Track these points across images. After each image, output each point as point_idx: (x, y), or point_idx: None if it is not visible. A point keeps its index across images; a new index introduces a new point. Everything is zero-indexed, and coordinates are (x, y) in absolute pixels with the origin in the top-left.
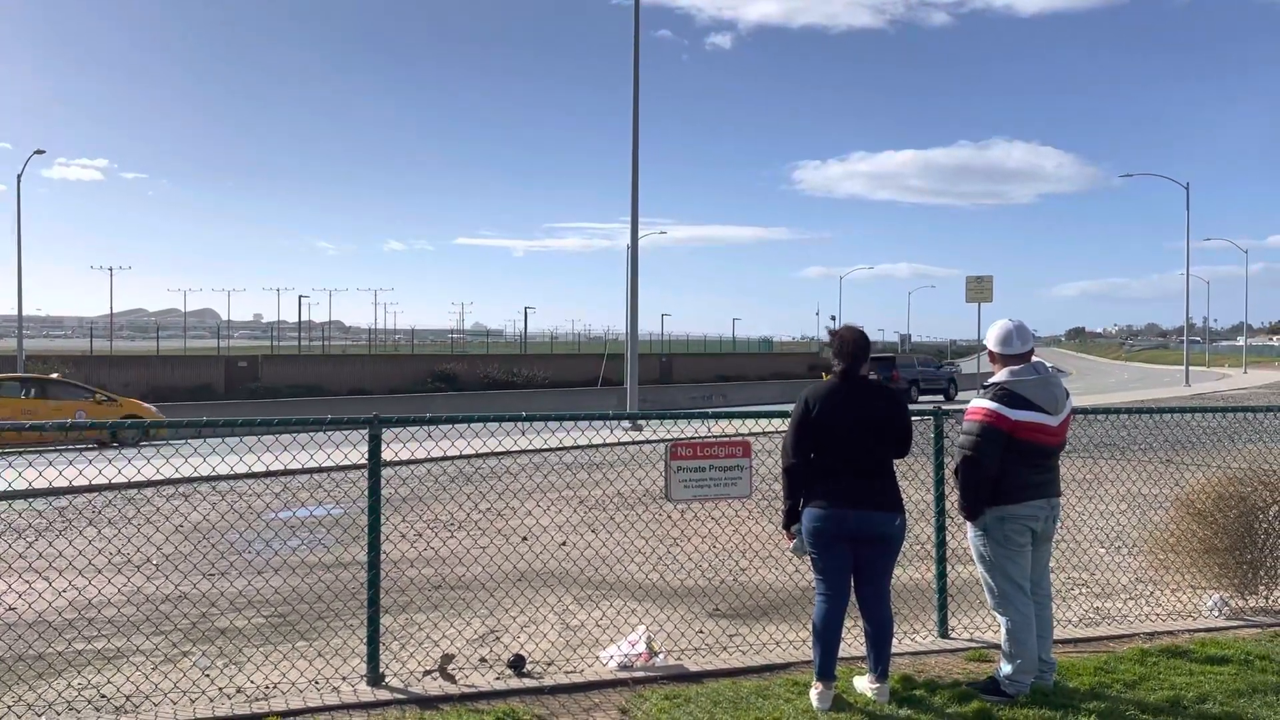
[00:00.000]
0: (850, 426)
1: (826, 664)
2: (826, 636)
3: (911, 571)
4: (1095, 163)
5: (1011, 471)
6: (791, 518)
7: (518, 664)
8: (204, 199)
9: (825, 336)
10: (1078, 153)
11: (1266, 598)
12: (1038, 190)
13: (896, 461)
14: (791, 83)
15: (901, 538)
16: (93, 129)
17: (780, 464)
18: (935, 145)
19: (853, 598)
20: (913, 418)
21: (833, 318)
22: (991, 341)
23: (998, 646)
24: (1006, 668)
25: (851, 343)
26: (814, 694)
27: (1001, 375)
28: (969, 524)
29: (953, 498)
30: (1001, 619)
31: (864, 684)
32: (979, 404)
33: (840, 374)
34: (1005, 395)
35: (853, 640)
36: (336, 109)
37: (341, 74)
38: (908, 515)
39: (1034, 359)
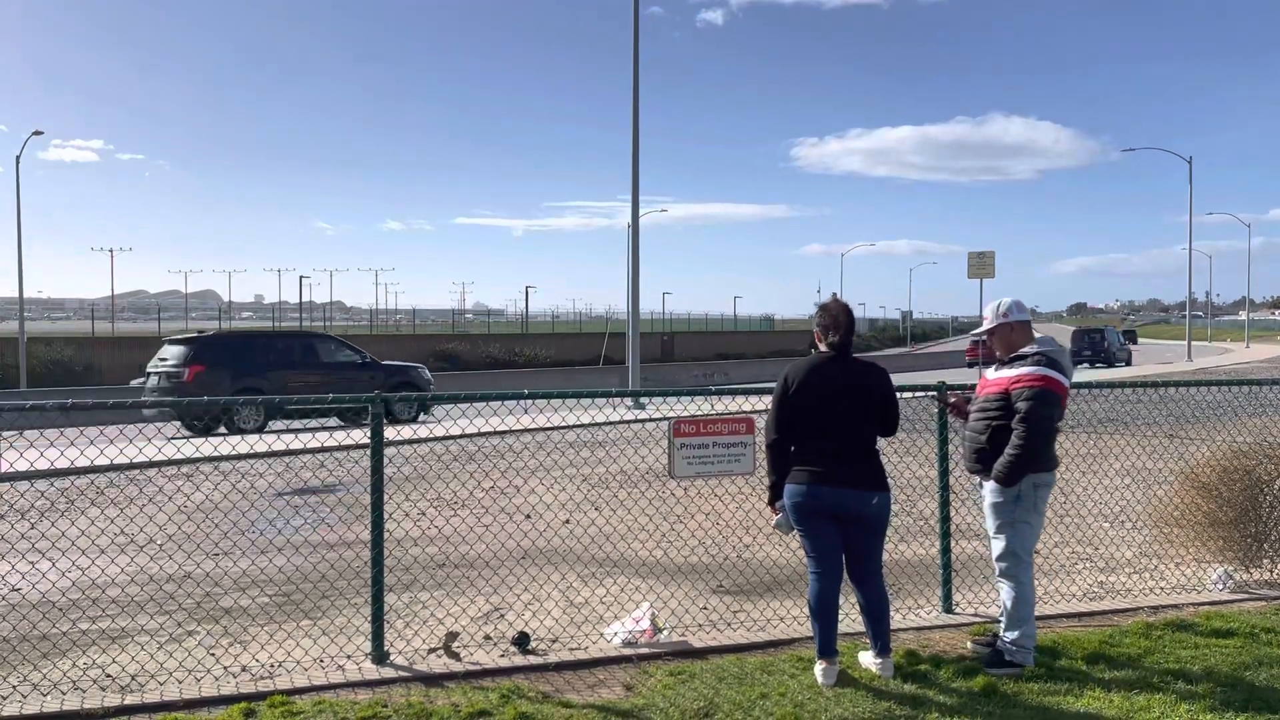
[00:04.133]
0: (828, 403)
1: (826, 641)
2: (822, 614)
3: (915, 547)
4: (1094, 137)
5: (1051, 438)
6: (775, 493)
7: (522, 641)
8: (202, 180)
9: (813, 308)
10: (1077, 128)
11: (1271, 570)
12: (1037, 166)
13: (901, 438)
14: (786, 59)
15: (883, 515)
16: (87, 109)
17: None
18: (932, 121)
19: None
20: (917, 393)
21: (834, 295)
22: (1011, 312)
23: (1000, 621)
24: (1011, 635)
25: (836, 317)
26: (818, 670)
27: (1036, 345)
28: (996, 487)
29: (957, 473)
30: (1008, 587)
31: (868, 659)
32: (1034, 370)
33: (827, 348)
34: (1052, 362)
35: (858, 615)
36: (332, 88)
37: (337, 53)
38: (914, 491)
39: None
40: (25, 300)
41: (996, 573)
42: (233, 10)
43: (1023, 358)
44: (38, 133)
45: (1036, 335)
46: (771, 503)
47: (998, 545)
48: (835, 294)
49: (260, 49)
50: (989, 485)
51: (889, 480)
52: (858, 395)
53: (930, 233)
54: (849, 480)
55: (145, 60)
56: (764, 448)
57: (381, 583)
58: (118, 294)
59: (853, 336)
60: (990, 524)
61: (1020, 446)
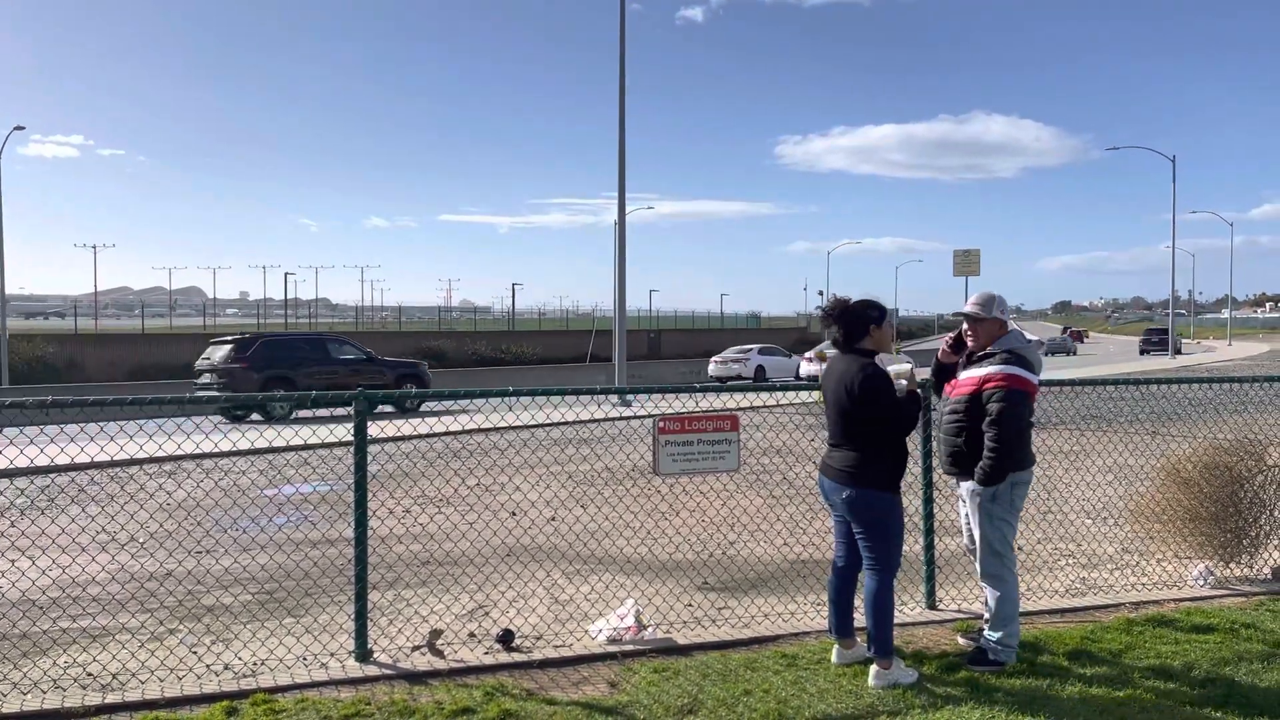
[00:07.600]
0: (826, 397)
1: (832, 621)
2: (830, 595)
3: None
4: (1076, 135)
5: (1025, 436)
6: None
7: (506, 638)
8: (184, 176)
9: (814, 311)
10: (1059, 126)
11: (1251, 566)
12: (1020, 164)
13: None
14: (767, 57)
15: (858, 512)
16: (66, 104)
17: None
18: (915, 119)
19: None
20: None
21: (820, 293)
22: (990, 308)
23: (984, 618)
24: (995, 634)
25: (831, 312)
26: (833, 650)
27: (1008, 341)
28: (975, 487)
29: (940, 469)
30: (993, 587)
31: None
32: (1001, 369)
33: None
34: (1022, 360)
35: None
36: (314, 84)
37: (320, 50)
38: None
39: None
40: (7, 297)
41: (979, 573)
42: (213, 4)
43: (990, 356)
44: (19, 128)
45: (1010, 329)
46: None
47: (979, 545)
48: (820, 295)
49: (241, 44)
50: (966, 485)
51: (872, 478)
52: (841, 389)
53: (915, 230)
54: (830, 472)
55: (124, 54)
56: None
57: (365, 580)
58: (101, 290)
59: (850, 331)
60: (971, 523)
61: (995, 449)
